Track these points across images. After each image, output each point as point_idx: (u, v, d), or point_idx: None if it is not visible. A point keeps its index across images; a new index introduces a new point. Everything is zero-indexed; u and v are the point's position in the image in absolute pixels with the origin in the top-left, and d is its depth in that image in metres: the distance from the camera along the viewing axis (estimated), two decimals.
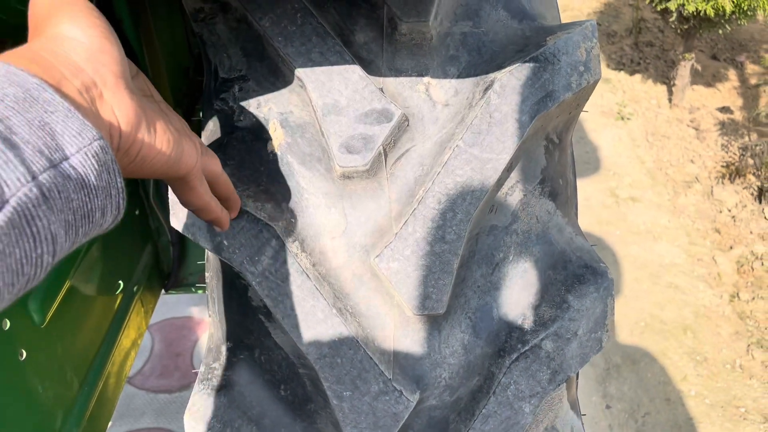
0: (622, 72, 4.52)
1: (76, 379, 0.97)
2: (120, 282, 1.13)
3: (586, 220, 3.23)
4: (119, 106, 0.47)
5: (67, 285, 0.95)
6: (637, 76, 4.45)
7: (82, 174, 0.39)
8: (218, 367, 0.83)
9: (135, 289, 1.18)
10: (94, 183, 0.40)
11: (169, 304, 2.85)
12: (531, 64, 0.74)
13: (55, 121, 0.38)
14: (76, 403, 0.97)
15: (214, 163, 0.65)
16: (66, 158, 0.38)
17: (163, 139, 0.51)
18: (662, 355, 2.57)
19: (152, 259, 1.26)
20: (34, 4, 0.51)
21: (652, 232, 3.17)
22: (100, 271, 1.07)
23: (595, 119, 4.04)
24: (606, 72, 4.53)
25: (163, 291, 1.33)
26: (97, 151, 0.40)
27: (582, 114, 4.09)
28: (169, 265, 1.31)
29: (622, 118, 4.03)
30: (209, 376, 0.83)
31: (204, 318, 2.81)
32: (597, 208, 3.33)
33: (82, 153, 0.39)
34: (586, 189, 3.46)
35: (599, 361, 2.56)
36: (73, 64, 0.45)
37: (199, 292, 1.39)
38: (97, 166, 0.40)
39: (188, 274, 1.34)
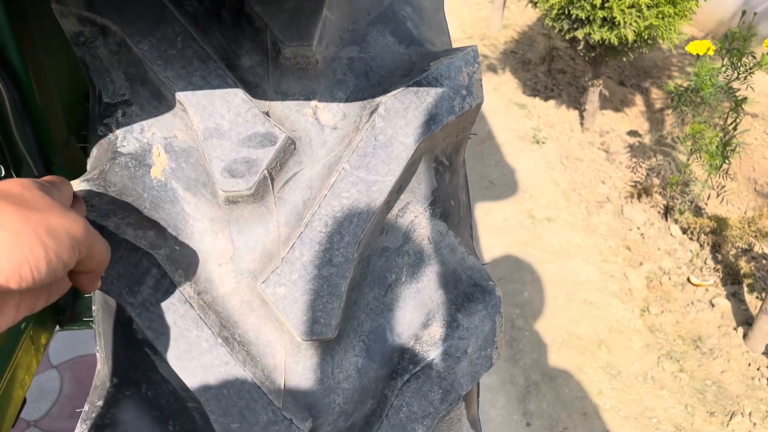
0: (537, 98, 4.70)
1: None
2: None
3: (504, 241, 3.31)
4: None
5: None
6: (551, 102, 4.64)
7: None
8: (103, 404, 0.79)
9: (23, 326, 1.11)
10: None
11: (80, 341, 2.71)
12: (415, 89, 0.75)
13: None
14: None
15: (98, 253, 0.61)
16: None
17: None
18: (579, 370, 2.65)
19: None
20: None
21: (567, 251, 3.28)
22: None
23: (512, 143, 4.17)
24: (521, 98, 4.70)
25: (57, 327, 1.26)
26: None
27: (499, 138, 4.22)
28: (63, 300, 1.24)
29: (538, 142, 4.18)
30: (92, 415, 0.78)
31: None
32: (515, 229, 3.42)
33: None
34: (504, 211, 3.56)
35: (519, 379, 2.61)
36: None
37: None
38: None
39: (84, 309, 1.27)
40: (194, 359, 0.69)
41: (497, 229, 3.40)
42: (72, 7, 0.78)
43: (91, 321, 1.31)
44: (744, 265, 3.08)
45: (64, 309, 1.25)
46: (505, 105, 4.61)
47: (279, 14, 0.75)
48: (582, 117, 4.35)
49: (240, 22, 0.78)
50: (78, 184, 0.77)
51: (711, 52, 3.11)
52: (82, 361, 2.68)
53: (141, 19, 0.75)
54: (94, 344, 2.62)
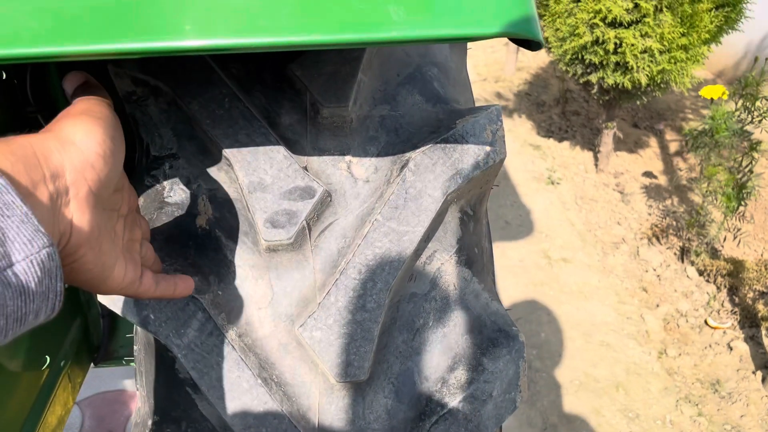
0: (551, 139, 4.77)
1: None
2: (46, 357, 1.11)
3: (521, 281, 3.33)
4: (79, 219, 0.50)
5: None
6: (565, 143, 4.70)
7: (23, 281, 0.41)
8: None
9: (62, 363, 1.16)
10: (34, 289, 0.42)
11: (101, 378, 2.75)
12: (442, 145, 0.81)
13: (8, 226, 0.40)
14: None
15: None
16: (11, 265, 0.40)
17: (97, 261, 0.54)
18: (596, 413, 2.64)
19: (81, 333, 1.24)
20: (65, 111, 0.57)
21: (583, 292, 3.29)
22: (25, 347, 1.05)
23: (527, 184, 4.22)
24: (536, 139, 4.77)
25: (92, 365, 1.31)
26: (44, 259, 0.43)
27: (515, 179, 4.27)
28: (98, 338, 1.29)
29: (552, 183, 4.23)
30: None
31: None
32: (531, 269, 3.44)
33: (27, 261, 0.41)
34: (520, 251, 3.59)
35: (537, 421, 2.60)
36: (59, 169, 0.49)
37: (131, 364, 1.37)
38: (39, 274, 0.42)
39: (118, 347, 1.32)
40: (235, 399, 0.74)
41: (513, 269, 3.43)
42: (127, 69, 0.85)
43: (123, 359, 1.36)
44: (761, 308, 3.08)
45: (99, 347, 1.30)
46: (519, 146, 4.68)
47: (318, 77, 0.82)
48: (596, 158, 4.40)
49: (281, 84, 0.85)
50: None
51: (725, 97, 3.17)
52: (103, 397, 2.71)
53: (191, 81, 0.82)
54: (114, 381, 2.65)
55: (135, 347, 0.91)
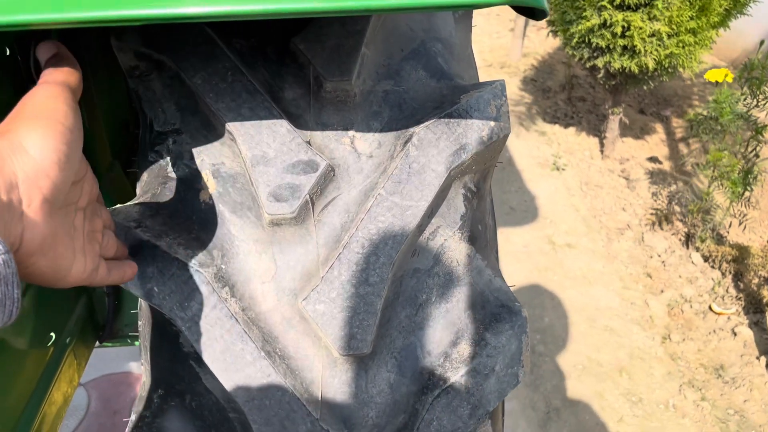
0: (557, 125, 4.74)
1: None
2: (52, 334, 1.12)
3: (525, 266, 3.33)
4: (31, 230, 0.51)
5: None
6: (571, 129, 4.68)
7: None
8: (149, 414, 0.84)
9: (68, 340, 1.16)
10: None
11: (106, 360, 2.77)
12: (446, 120, 0.81)
13: None
14: None
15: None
16: None
17: (52, 265, 0.55)
18: (599, 397, 2.64)
19: (86, 311, 1.25)
20: (28, 97, 0.56)
21: (587, 277, 3.29)
22: (31, 323, 1.06)
23: (532, 170, 4.21)
24: (541, 125, 4.75)
25: (97, 343, 1.32)
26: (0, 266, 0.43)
27: (520, 165, 4.26)
28: (103, 317, 1.30)
29: (558, 169, 4.21)
30: (140, 425, 0.83)
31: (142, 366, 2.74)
32: (535, 255, 3.44)
33: None
34: (524, 236, 3.58)
35: (541, 405, 2.61)
36: (12, 179, 0.49)
37: (135, 343, 1.38)
38: None
39: (123, 326, 1.33)
40: (239, 371, 0.74)
41: (517, 255, 3.42)
42: (130, 43, 0.85)
43: (128, 338, 1.37)
44: (767, 294, 3.07)
45: (104, 325, 1.31)
46: (525, 132, 4.66)
47: (321, 51, 0.81)
48: (602, 144, 4.38)
49: (284, 58, 0.84)
50: (132, 207, 0.83)
51: (729, 79, 3.14)
52: (109, 379, 2.73)
53: (194, 55, 0.82)
54: (120, 363, 2.67)
55: (139, 322, 0.92)
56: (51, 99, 0.58)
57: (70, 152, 0.55)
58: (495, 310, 0.85)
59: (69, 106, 0.59)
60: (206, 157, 0.83)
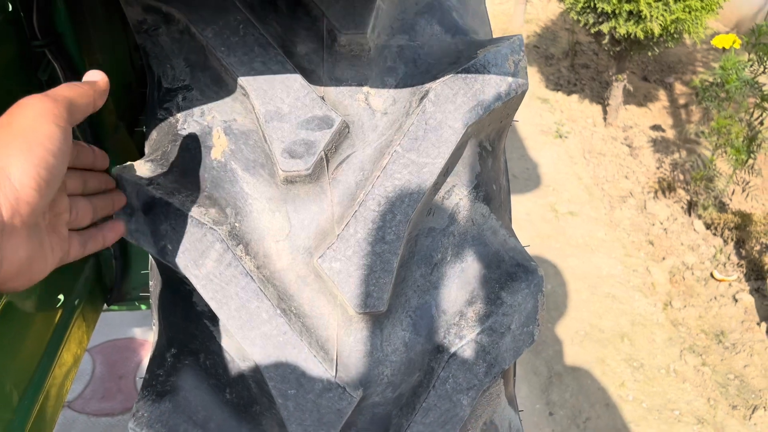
0: (560, 92, 4.70)
1: (16, 393, 0.95)
2: (60, 296, 1.11)
3: (527, 234, 3.33)
4: (11, 257, 0.53)
5: (4, 299, 0.94)
6: (574, 97, 4.64)
7: None
8: (162, 373, 0.84)
9: (76, 302, 1.16)
10: None
11: (112, 325, 2.78)
12: (463, 75, 0.79)
13: None
14: (15, 420, 0.95)
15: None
16: None
17: (28, 281, 0.57)
18: (601, 362, 2.67)
19: (94, 273, 1.24)
20: (19, 108, 0.56)
21: (589, 245, 3.29)
22: (39, 286, 1.05)
23: (535, 137, 4.18)
24: (544, 92, 4.71)
25: (105, 306, 1.32)
26: None
27: (522, 132, 4.23)
28: (111, 279, 1.29)
29: (560, 137, 4.19)
30: (153, 383, 0.83)
31: (147, 339, 2.76)
32: (538, 223, 3.44)
33: None
34: (527, 204, 3.57)
35: (542, 370, 2.64)
36: None
37: (143, 307, 1.38)
38: None
39: (131, 289, 1.33)
40: (255, 329, 0.74)
41: (520, 223, 3.42)
42: None
43: (136, 301, 1.36)
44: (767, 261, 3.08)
45: (112, 288, 1.30)
46: (528, 99, 4.62)
47: (335, 3, 0.79)
48: (605, 112, 4.34)
49: (296, 11, 0.82)
50: (142, 165, 0.82)
51: (737, 45, 3.10)
52: (113, 345, 2.75)
53: (204, 8, 0.79)
54: (124, 329, 2.68)
55: (150, 282, 0.91)
56: (40, 117, 0.56)
57: (50, 178, 0.55)
58: (510, 269, 0.84)
59: (58, 126, 0.57)
60: (217, 114, 0.81)
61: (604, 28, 3.63)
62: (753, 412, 2.46)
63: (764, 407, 2.47)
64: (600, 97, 4.58)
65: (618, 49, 3.84)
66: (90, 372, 2.62)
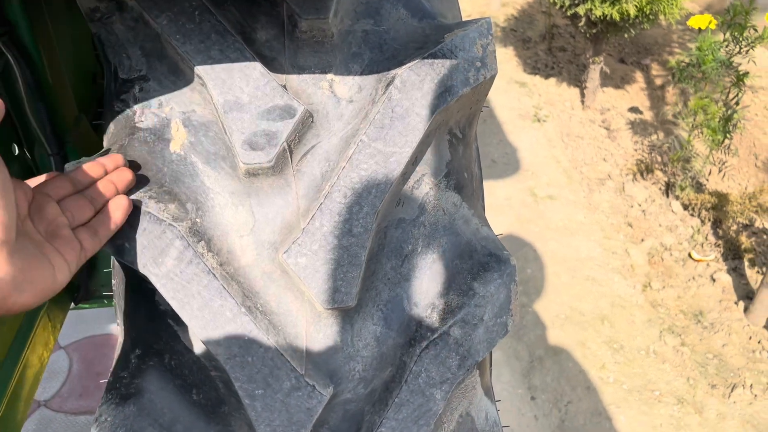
0: (537, 76, 4.69)
1: None
2: None
3: (507, 219, 3.33)
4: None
5: None
6: (552, 80, 4.63)
7: None
8: (126, 375, 0.81)
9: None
10: None
11: (88, 322, 2.73)
12: (430, 61, 0.76)
13: None
14: None
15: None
16: None
17: (36, 289, 0.57)
18: (582, 345, 2.68)
19: None
20: None
21: (569, 228, 3.30)
22: None
23: (513, 122, 4.17)
24: (522, 76, 4.69)
25: (72, 305, 1.28)
26: None
27: (501, 117, 4.22)
28: (78, 278, 1.26)
29: (539, 120, 4.18)
30: (117, 385, 0.80)
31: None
32: (517, 207, 3.44)
33: None
34: (506, 189, 3.57)
35: (524, 355, 2.64)
36: None
37: (112, 304, 1.34)
38: None
39: (99, 286, 1.29)
40: (219, 328, 0.71)
41: (500, 207, 3.42)
42: None
43: (105, 299, 1.33)
44: (745, 240, 3.10)
45: (79, 287, 1.27)
46: (505, 83, 4.61)
47: None
48: (583, 95, 4.34)
49: None
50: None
51: (713, 26, 3.10)
52: (90, 341, 2.71)
53: None
54: (101, 326, 2.64)
55: (113, 281, 0.88)
56: None
57: (4, 190, 0.53)
58: (483, 259, 0.82)
59: None
60: (176, 105, 0.78)
61: (581, 10, 3.62)
62: (732, 391, 2.49)
63: (743, 385, 2.50)
64: (577, 80, 4.58)
65: (594, 31, 3.83)
66: (66, 370, 2.58)
